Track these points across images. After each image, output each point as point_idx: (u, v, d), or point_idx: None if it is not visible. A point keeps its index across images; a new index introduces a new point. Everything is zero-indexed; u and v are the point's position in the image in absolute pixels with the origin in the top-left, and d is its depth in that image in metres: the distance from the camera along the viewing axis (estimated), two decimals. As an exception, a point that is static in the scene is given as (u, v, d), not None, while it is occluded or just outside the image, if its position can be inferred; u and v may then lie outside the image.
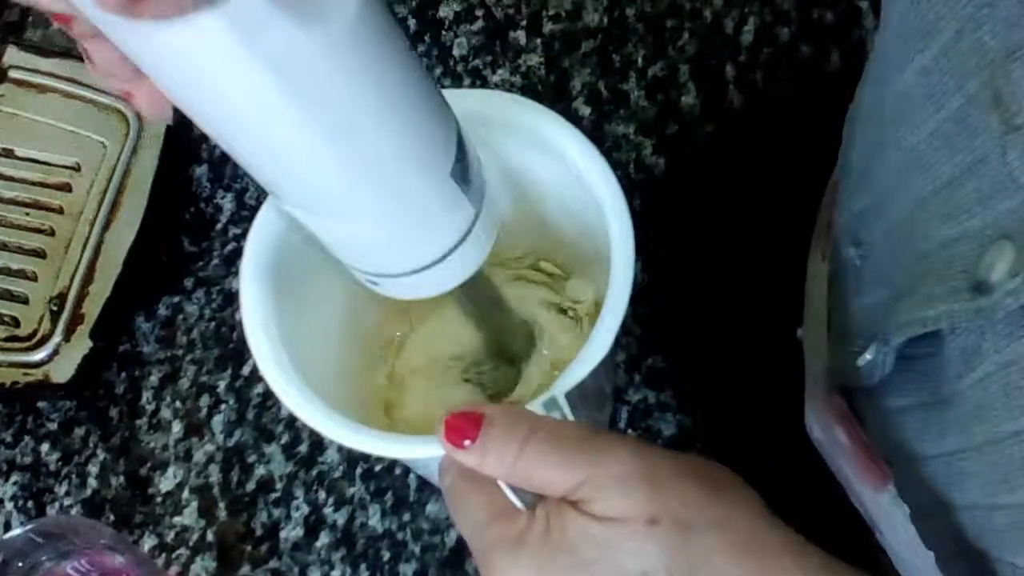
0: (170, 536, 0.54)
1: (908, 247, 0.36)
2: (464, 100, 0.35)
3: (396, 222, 0.32)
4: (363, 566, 0.52)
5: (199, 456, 0.55)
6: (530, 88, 0.62)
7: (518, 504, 0.33)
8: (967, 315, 0.31)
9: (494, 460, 0.32)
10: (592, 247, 0.42)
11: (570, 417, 0.34)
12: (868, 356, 0.38)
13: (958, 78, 0.32)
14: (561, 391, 0.35)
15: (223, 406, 0.56)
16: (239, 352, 0.57)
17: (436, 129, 0.31)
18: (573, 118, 0.61)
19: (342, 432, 0.37)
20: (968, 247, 0.31)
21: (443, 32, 0.63)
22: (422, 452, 0.36)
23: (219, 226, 0.60)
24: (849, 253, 0.42)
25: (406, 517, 0.53)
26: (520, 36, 0.63)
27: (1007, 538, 0.32)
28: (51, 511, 0.54)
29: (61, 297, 0.56)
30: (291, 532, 0.53)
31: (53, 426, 0.56)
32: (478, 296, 0.41)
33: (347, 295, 0.44)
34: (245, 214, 0.60)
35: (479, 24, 0.63)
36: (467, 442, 0.32)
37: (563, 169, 0.41)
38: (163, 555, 0.53)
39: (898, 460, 0.39)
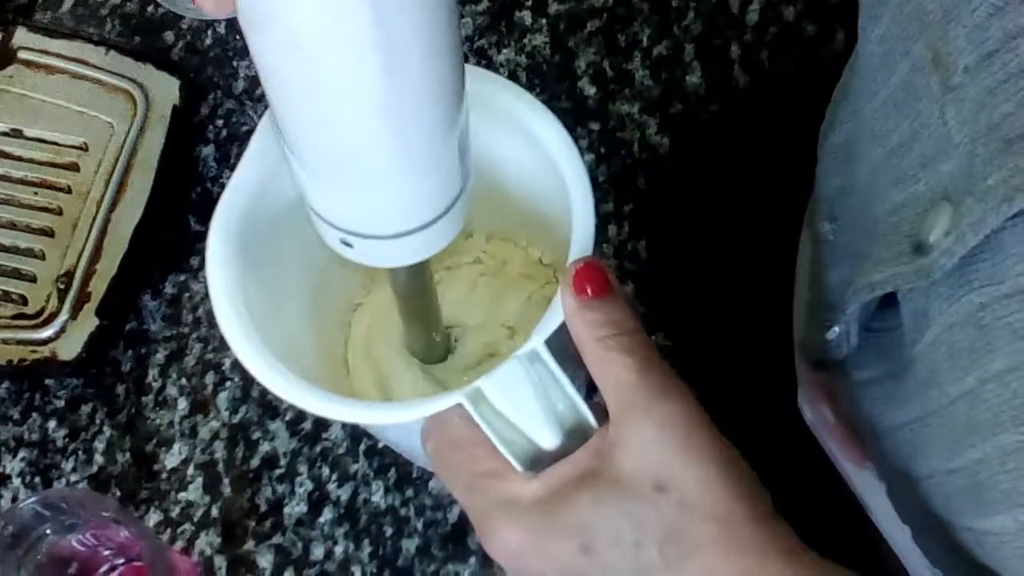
0: (175, 512, 0.54)
1: (867, 216, 0.36)
2: None
3: (398, 177, 0.32)
4: (366, 541, 0.53)
5: (204, 433, 0.55)
6: (535, 68, 0.62)
7: (515, 464, 0.33)
8: (908, 277, 0.31)
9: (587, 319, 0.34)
10: (549, 212, 0.42)
11: (554, 366, 0.34)
12: (836, 329, 0.38)
13: (905, 43, 0.32)
14: (540, 341, 0.35)
15: (228, 383, 0.56)
16: (244, 330, 0.57)
17: (459, 90, 0.31)
18: (578, 97, 0.61)
19: (313, 401, 0.36)
20: (913, 211, 0.31)
21: (448, 12, 0.63)
22: (390, 418, 0.36)
23: (225, 206, 0.60)
24: (824, 228, 0.42)
25: (409, 493, 0.53)
26: (526, 16, 0.63)
27: (961, 501, 0.31)
28: (58, 487, 0.55)
29: (68, 275, 0.56)
30: (295, 508, 0.54)
31: (60, 403, 0.57)
32: (415, 281, 0.40)
33: (313, 266, 0.45)
34: (251, 194, 0.60)
35: (484, 4, 0.63)
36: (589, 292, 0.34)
37: (516, 133, 0.41)
38: (168, 530, 0.54)
39: (868, 434, 0.39)
